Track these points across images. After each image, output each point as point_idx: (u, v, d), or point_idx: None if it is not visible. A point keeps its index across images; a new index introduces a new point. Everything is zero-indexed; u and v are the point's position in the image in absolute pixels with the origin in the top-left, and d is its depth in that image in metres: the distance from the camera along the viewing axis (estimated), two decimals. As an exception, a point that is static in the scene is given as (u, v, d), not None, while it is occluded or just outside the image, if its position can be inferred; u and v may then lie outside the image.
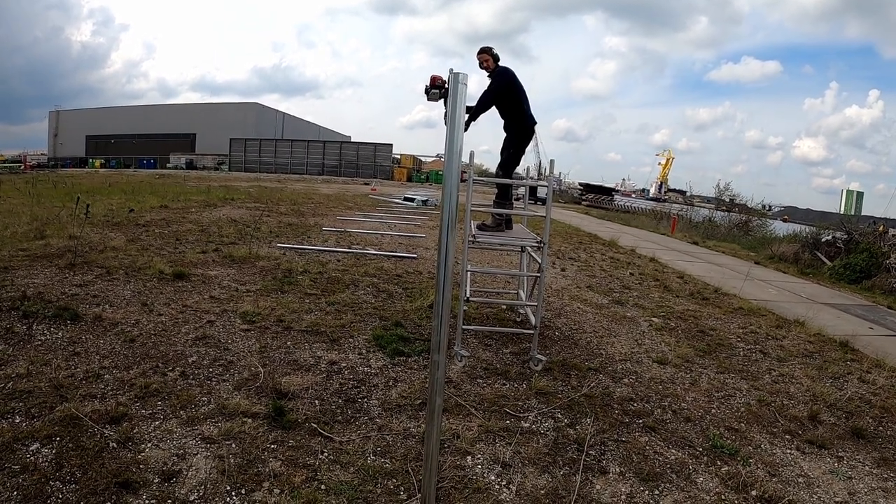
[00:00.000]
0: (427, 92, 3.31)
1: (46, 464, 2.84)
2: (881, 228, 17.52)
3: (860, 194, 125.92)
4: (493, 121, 5.90)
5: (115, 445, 3.08)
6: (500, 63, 5.80)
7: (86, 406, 3.46)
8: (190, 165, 66.22)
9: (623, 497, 3.11)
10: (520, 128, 5.93)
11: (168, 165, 66.22)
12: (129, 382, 3.86)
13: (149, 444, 3.13)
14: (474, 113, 5.64)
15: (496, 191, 6.29)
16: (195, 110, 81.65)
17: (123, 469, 2.85)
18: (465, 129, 5.45)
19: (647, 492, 3.18)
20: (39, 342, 4.45)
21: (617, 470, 3.38)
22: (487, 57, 5.76)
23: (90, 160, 70.80)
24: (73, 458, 2.91)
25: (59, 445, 3.02)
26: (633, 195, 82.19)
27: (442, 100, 3.11)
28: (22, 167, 55.13)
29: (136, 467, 2.89)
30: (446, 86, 2.29)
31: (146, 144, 75.48)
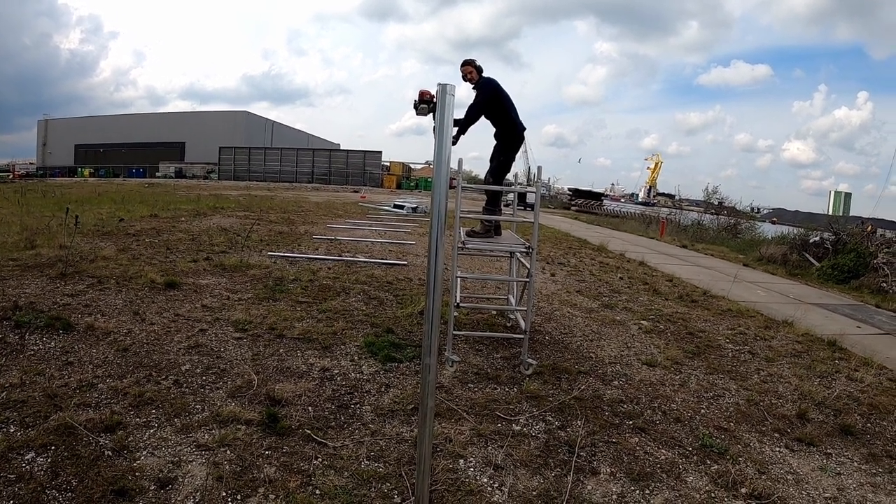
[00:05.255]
0: (416, 107, 3.34)
1: (42, 473, 2.86)
2: (869, 228, 17.72)
3: (848, 195, 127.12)
4: (482, 127, 5.96)
5: (110, 454, 3.10)
6: (485, 74, 5.86)
7: (80, 415, 3.47)
8: (179, 174, 65.87)
9: (614, 497, 3.16)
10: (509, 135, 6.00)
11: (157, 174, 65.81)
12: (122, 391, 3.87)
13: (144, 452, 3.15)
14: (463, 126, 5.71)
15: (486, 198, 6.35)
16: (184, 119, 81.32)
17: (119, 477, 2.87)
18: (455, 143, 5.53)
19: (637, 491, 3.23)
20: (32, 352, 4.45)
21: (608, 470, 3.43)
22: (471, 69, 5.82)
23: (79, 169, 70.27)
24: (68, 467, 2.93)
25: (55, 454, 3.04)
26: (623, 200, 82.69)
27: (431, 114, 3.15)
28: (10, 176, 54.87)
29: (131, 475, 2.91)
30: (435, 100, 2.33)
31: (135, 153, 75.02)
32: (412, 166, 71.71)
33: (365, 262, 9.95)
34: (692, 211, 38.09)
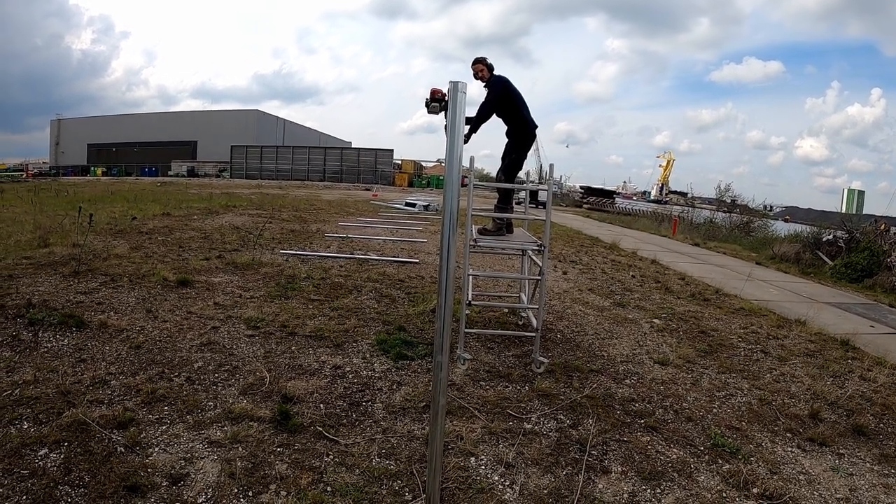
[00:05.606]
0: (427, 105, 3.36)
1: (55, 468, 2.88)
2: (883, 227, 17.52)
3: (861, 193, 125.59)
4: (494, 125, 5.96)
5: (122, 450, 3.12)
6: (496, 72, 5.86)
7: (93, 411, 3.50)
8: (191, 173, 66.24)
9: (625, 496, 3.14)
10: (521, 133, 5.99)
11: (169, 173, 66.19)
12: (135, 388, 3.90)
13: (156, 449, 3.17)
14: (474, 124, 5.72)
15: (497, 195, 6.34)
16: (196, 118, 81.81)
17: (131, 473, 2.88)
18: (466, 142, 5.53)
19: (648, 490, 3.21)
20: (46, 349, 4.49)
21: (619, 469, 3.42)
22: (482, 67, 5.82)
23: (92, 168, 70.86)
24: (81, 463, 2.95)
25: (68, 450, 3.06)
26: (635, 198, 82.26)
27: (443, 112, 3.15)
28: (24, 176, 55.43)
29: (143, 471, 2.93)
30: (446, 98, 2.35)
31: (147, 152, 75.51)
32: (424, 164, 71.77)
33: (377, 259, 9.97)
34: (704, 209, 37.79)
